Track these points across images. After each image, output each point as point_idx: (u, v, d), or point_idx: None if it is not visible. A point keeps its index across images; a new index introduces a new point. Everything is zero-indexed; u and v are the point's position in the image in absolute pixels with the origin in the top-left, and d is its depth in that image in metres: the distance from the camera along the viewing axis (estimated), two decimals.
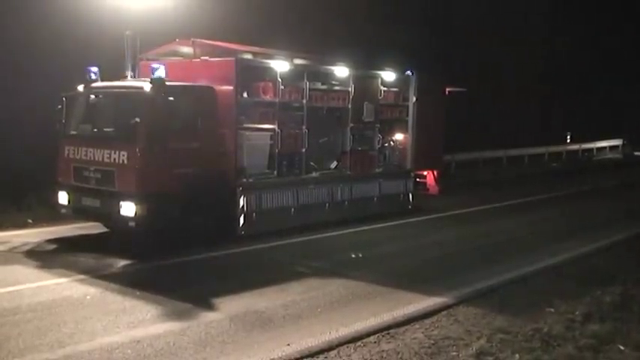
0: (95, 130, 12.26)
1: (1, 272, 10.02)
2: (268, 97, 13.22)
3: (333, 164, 15.01)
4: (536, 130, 37.23)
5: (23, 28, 17.35)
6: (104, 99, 12.46)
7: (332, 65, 14.72)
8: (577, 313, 8.59)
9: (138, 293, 9.04)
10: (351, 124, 15.05)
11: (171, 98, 11.60)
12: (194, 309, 8.54)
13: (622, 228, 15.19)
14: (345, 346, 7.42)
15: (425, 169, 17.23)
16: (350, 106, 14.95)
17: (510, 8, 35.05)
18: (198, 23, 17.48)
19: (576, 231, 14.94)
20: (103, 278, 9.73)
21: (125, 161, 11.29)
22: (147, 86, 11.49)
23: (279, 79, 13.26)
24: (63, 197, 12.28)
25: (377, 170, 15.89)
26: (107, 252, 11.18)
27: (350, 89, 14.88)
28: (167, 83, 11.63)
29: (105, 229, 12.84)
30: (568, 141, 38.71)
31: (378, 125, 15.80)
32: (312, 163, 14.32)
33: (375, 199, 15.67)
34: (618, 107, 42.89)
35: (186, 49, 13.56)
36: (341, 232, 13.74)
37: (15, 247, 11.66)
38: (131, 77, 12.81)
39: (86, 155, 11.84)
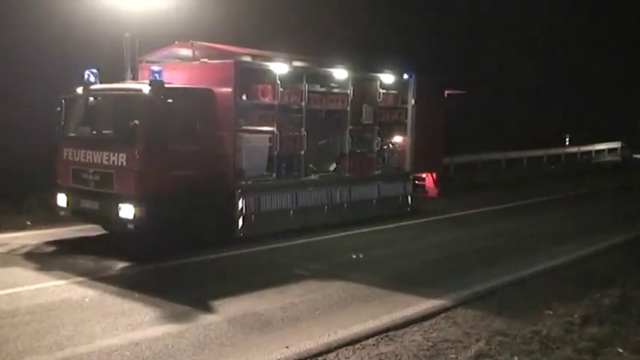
0: (94, 132, 12.28)
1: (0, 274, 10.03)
2: (267, 100, 13.23)
3: (332, 167, 15.01)
4: (535, 132, 37.22)
5: (22, 30, 17.35)
6: (103, 101, 12.47)
7: (331, 68, 14.74)
8: (576, 315, 8.60)
9: (137, 295, 9.04)
10: (350, 127, 15.05)
11: (170, 101, 11.62)
12: (193, 311, 8.54)
13: (621, 231, 15.18)
14: (343, 348, 7.41)
15: (424, 172, 17.25)
16: (349, 108, 14.97)
17: (509, 10, 35.07)
18: (198, 25, 17.49)
19: (575, 233, 14.94)
20: (101, 280, 9.73)
21: (124, 163, 11.28)
22: (146, 88, 11.50)
23: (278, 82, 13.27)
24: (62, 199, 12.29)
25: (376, 173, 15.89)
26: (106, 254, 11.18)
27: (349, 92, 14.89)
28: (166, 86, 11.64)
29: (104, 232, 12.85)
30: (567, 143, 38.73)
31: (377, 128, 15.81)
32: (311, 166, 14.32)
33: (374, 201, 15.67)
34: (617, 110, 42.89)
35: (186, 52, 13.58)
36: (340, 235, 13.74)
37: (14, 250, 11.66)
38: (130, 80, 12.82)
39: (85, 157, 11.84)
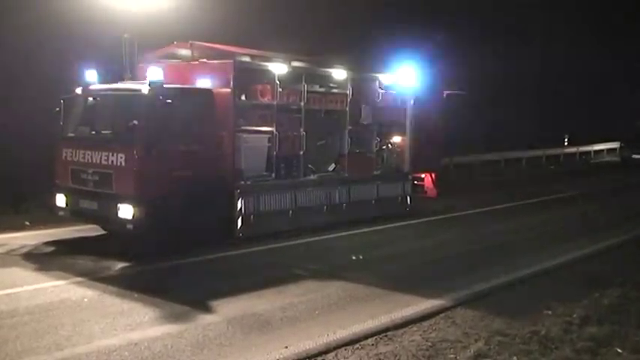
0: (93, 132, 12.27)
1: None
2: (266, 100, 13.23)
3: (331, 167, 15.01)
4: (534, 132, 37.23)
5: (21, 30, 17.35)
6: (102, 101, 12.46)
7: (330, 68, 14.73)
8: (575, 315, 8.60)
9: (136, 296, 9.03)
10: (349, 127, 15.05)
11: (169, 101, 11.61)
12: (192, 311, 8.54)
13: (620, 231, 15.19)
14: (342, 348, 7.41)
15: (423, 172, 17.24)
16: (348, 108, 14.97)
17: (509, 9, 35.08)
18: (196, 25, 17.49)
19: (574, 234, 14.95)
20: (100, 281, 9.72)
21: (123, 164, 11.28)
22: (145, 89, 11.49)
23: (277, 82, 13.27)
24: (61, 199, 12.28)
25: (375, 173, 15.88)
26: (105, 254, 11.17)
27: (348, 92, 14.89)
28: (165, 86, 11.63)
29: (103, 232, 12.84)
30: (566, 144, 38.74)
31: (376, 128, 15.81)
32: (309, 166, 14.32)
33: (373, 201, 15.66)
34: (617, 109, 42.93)
35: (185, 52, 13.57)
36: (339, 235, 13.73)
37: (12, 250, 11.65)
38: (129, 80, 12.82)
39: (84, 158, 11.83)
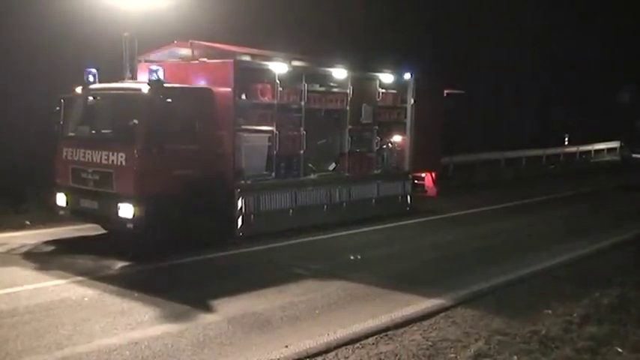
0: (93, 131, 12.27)
1: None
2: (266, 99, 13.23)
3: (332, 166, 15.02)
4: (534, 132, 37.25)
5: (21, 30, 17.36)
6: (102, 101, 12.47)
7: (330, 67, 14.73)
8: (575, 315, 8.60)
9: (136, 295, 9.04)
10: (350, 126, 15.06)
11: (169, 100, 11.62)
12: (192, 311, 8.54)
13: (620, 230, 15.19)
14: (343, 347, 7.42)
15: (423, 171, 17.24)
16: (348, 107, 14.97)
17: (509, 9, 35.06)
18: (197, 25, 17.49)
19: (574, 233, 14.94)
20: (101, 280, 9.73)
21: (123, 163, 11.28)
22: (145, 88, 11.50)
23: (278, 81, 13.27)
24: (61, 199, 12.28)
25: (375, 172, 15.89)
26: (105, 254, 11.18)
27: (348, 91, 14.89)
28: (165, 85, 11.63)
29: (103, 231, 12.84)
30: (566, 143, 38.73)
31: (377, 127, 15.82)
32: (310, 165, 14.33)
33: (374, 200, 15.67)
34: (617, 109, 42.92)
35: (185, 51, 13.56)
36: (339, 234, 13.74)
37: (13, 249, 11.65)
38: (129, 79, 12.81)
39: (84, 157, 11.83)
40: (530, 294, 9.80)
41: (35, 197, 14.74)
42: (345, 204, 14.91)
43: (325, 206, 14.48)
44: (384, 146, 16.38)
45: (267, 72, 13.26)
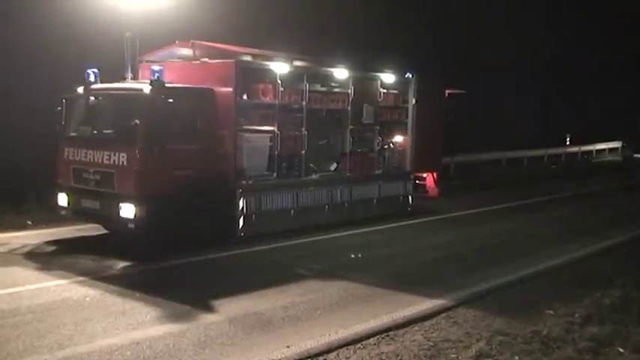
0: (95, 131, 12.27)
1: (0, 274, 10.02)
2: (268, 99, 13.23)
3: (333, 166, 15.01)
4: (535, 132, 37.25)
5: (23, 30, 17.36)
6: (104, 101, 12.47)
7: (331, 67, 14.73)
8: (576, 315, 8.60)
9: (137, 295, 9.04)
10: (351, 126, 15.05)
11: (170, 100, 11.62)
12: (193, 311, 8.54)
13: (621, 231, 15.18)
14: (344, 348, 7.42)
15: (424, 171, 17.24)
16: (349, 108, 14.97)
17: (509, 8, 35.06)
18: (198, 25, 17.49)
19: (575, 233, 14.93)
20: (102, 280, 9.73)
21: (125, 163, 11.28)
22: (146, 88, 11.50)
23: (279, 81, 13.27)
24: (62, 199, 12.28)
25: (376, 172, 15.88)
26: (106, 254, 11.18)
27: (349, 91, 14.89)
28: (167, 85, 11.64)
29: (104, 231, 12.85)
30: (567, 143, 38.73)
31: (378, 127, 15.81)
32: (311, 165, 14.32)
33: (375, 201, 15.67)
34: (618, 109, 42.91)
35: (186, 51, 13.57)
36: (340, 234, 13.73)
37: (14, 249, 11.66)
38: (131, 79, 12.81)
39: (86, 157, 11.84)
40: (532, 294, 9.80)
41: (37, 197, 14.74)
42: (346, 204, 14.91)
43: (326, 206, 14.48)
44: (386, 146, 16.38)
45: (268, 72, 13.26)
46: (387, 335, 7.86)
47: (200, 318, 8.28)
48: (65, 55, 17.05)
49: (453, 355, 7.29)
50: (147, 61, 13.37)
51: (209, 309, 8.64)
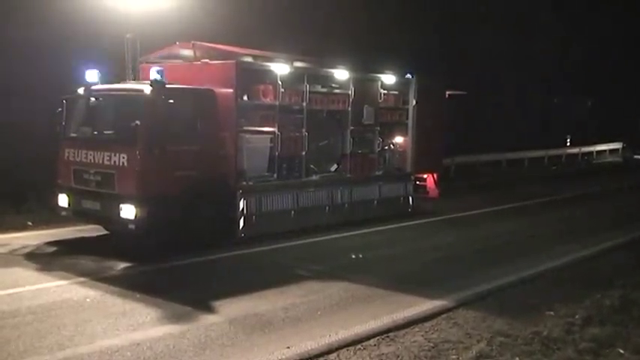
0: (95, 132, 12.28)
1: (0, 274, 10.02)
2: (268, 100, 13.24)
3: (333, 167, 15.02)
4: (536, 133, 37.23)
5: (23, 30, 17.36)
6: (104, 102, 12.47)
7: (332, 68, 14.73)
8: (577, 316, 8.60)
9: (138, 296, 9.04)
10: (351, 127, 15.06)
11: (171, 101, 11.63)
12: (194, 312, 8.54)
13: (622, 231, 15.18)
14: (344, 349, 7.41)
15: (425, 172, 17.24)
16: (350, 109, 14.97)
17: (510, 10, 35.06)
18: (199, 26, 17.50)
19: (576, 234, 14.94)
20: (102, 281, 9.73)
21: (125, 164, 11.29)
22: (147, 89, 11.50)
23: (280, 82, 13.28)
24: (63, 200, 12.29)
25: (377, 173, 15.89)
26: (107, 254, 11.18)
27: (350, 92, 14.89)
28: (167, 86, 11.64)
29: (105, 232, 12.85)
30: (568, 144, 38.73)
31: (378, 128, 15.81)
32: (312, 166, 14.33)
33: (375, 202, 15.67)
34: (619, 110, 42.92)
35: (187, 52, 13.58)
36: (341, 235, 13.73)
37: (15, 250, 11.66)
38: (131, 80, 12.82)
39: (86, 158, 11.85)
40: (532, 295, 9.77)
41: (37, 198, 14.75)
42: (346, 205, 14.91)
43: (327, 207, 14.48)
44: (386, 147, 16.38)
45: (269, 73, 13.26)
46: (388, 336, 7.85)
47: (200, 319, 8.27)
48: (65, 55, 17.05)
49: (454, 356, 7.28)
50: (147, 62, 13.39)
51: (209, 310, 8.64)
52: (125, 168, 11.29)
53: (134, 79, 12.86)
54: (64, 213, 12.50)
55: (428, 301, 9.27)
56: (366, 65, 16.14)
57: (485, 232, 15.07)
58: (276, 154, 13.37)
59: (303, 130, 13.88)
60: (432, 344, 7.60)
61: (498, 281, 10.48)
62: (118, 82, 12.67)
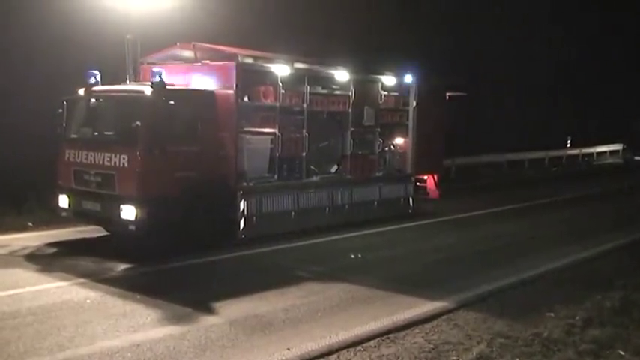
0: (96, 133, 12.28)
1: (1, 275, 10.02)
2: (269, 101, 13.24)
3: (334, 168, 15.02)
4: (536, 134, 37.22)
5: (23, 31, 17.37)
6: (105, 103, 12.48)
7: (332, 69, 14.74)
8: (577, 317, 8.60)
9: (138, 297, 9.04)
10: (352, 129, 15.06)
11: (171, 102, 11.63)
12: (194, 313, 8.54)
13: (622, 233, 15.18)
14: (345, 350, 7.42)
15: (425, 174, 17.24)
16: (350, 110, 14.97)
17: (511, 11, 35.06)
18: (199, 27, 17.50)
19: (576, 236, 14.93)
20: (103, 282, 9.73)
21: (126, 165, 11.29)
22: (147, 90, 11.51)
23: (280, 83, 13.28)
24: (63, 201, 12.30)
25: (377, 174, 15.89)
26: (107, 255, 11.18)
27: (350, 93, 14.90)
28: (168, 87, 11.65)
29: (105, 233, 12.85)
30: (568, 146, 38.73)
31: (379, 129, 15.82)
32: (312, 167, 14.33)
33: (376, 203, 15.67)
34: (619, 111, 42.92)
35: (187, 53, 13.58)
36: (341, 237, 13.73)
37: (15, 251, 11.66)
38: (132, 81, 12.82)
39: (87, 159, 11.85)
40: (533, 297, 9.79)
41: (37, 199, 14.74)
42: (347, 206, 14.91)
43: (327, 208, 14.48)
44: (386, 149, 16.39)
45: (269, 74, 13.27)
46: (388, 337, 7.86)
47: (201, 320, 8.27)
48: (66, 56, 17.05)
49: (454, 358, 7.29)
50: (148, 63, 13.39)
51: (210, 311, 8.64)
52: (125, 169, 11.30)
53: (134, 80, 12.85)
54: (64, 214, 12.50)
55: (428, 302, 9.27)
56: (366, 66, 16.15)
57: (485, 234, 15.07)
58: (277, 155, 13.37)
59: (304, 131, 13.88)
60: (432, 345, 7.60)
61: (499, 282, 10.48)
62: (119, 83, 12.66)
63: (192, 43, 13.43)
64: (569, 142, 38.87)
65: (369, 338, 7.78)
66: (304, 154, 13.92)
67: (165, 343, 7.41)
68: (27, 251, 11.66)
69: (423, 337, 7.93)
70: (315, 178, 14.35)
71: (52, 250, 11.86)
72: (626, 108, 42.65)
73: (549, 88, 39.96)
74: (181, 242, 11.51)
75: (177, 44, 13.66)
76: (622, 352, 7.50)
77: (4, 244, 12.00)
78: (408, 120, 16.49)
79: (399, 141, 16.65)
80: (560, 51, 39.73)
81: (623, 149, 41.43)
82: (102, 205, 11.68)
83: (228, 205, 12.38)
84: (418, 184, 17.11)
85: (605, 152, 41.43)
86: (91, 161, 11.78)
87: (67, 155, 12.21)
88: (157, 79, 11.45)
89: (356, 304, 9.19)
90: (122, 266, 10.71)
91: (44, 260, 11.08)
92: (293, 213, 13.68)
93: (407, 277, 10.83)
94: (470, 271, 11.34)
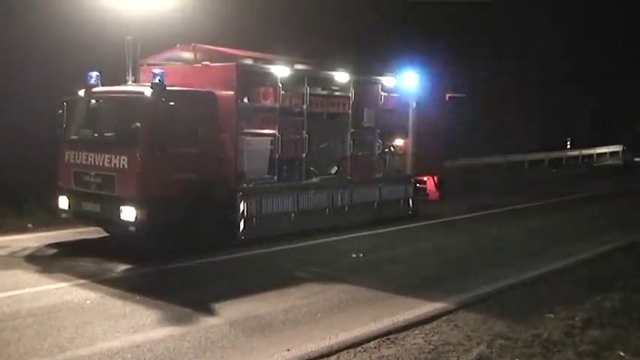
0: (96, 134, 12.28)
1: (1, 277, 10.02)
2: (269, 103, 13.25)
3: (334, 169, 15.02)
4: (536, 135, 37.22)
5: (23, 32, 17.36)
6: (105, 104, 12.49)
7: (332, 70, 14.74)
8: (577, 319, 8.59)
9: (138, 298, 9.04)
10: (352, 130, 15.06)
11: (171, 103, 11.63)
12: (194, 314, 8.54)
13: (622, 234, 15.17)
14: (345, 351, 7.42)
15: (425, 175, 17.24)
16: (350, 111, 14.98)
17: (511, 13, 35.06)
18: (200, 28, 17.50)
19: (576, 237, 14.93)
20: (103, 283, 9.73)
21: (125, 166, 11.30)
22: (147, 91, 11.51)
23: (280, 85, 13.29)
24: (63, 202, 12.29)
25: (377, 175, 15.89)
26: (107, 256, 11.18)
27: (350, 94, 14.90)
28: (168, 88, 11.64)
29: (105, 234, 12.85)
30: (568, 147, 38.73)
31: (379, 130, 15.82)
32: (312, 169, 14.33)
33: (376, 204, 15.66)
34: (620, 113, 42.89)
35: (187, 54, 13.59)
36: (341, 238, 13.72)
37: (15, 252, 11.66)
38: (132, 82, 12.82)
39: (87, 160, 11.85)
40: (533, 298, 9.79)
41: (37, 200, 14.74)
42: (347, 207, 14.91)
43: (327, 210, 14.48)
44: (386, 150, 16.38)
45: (269, 75, 13.27)
46: (388, 338, 7.86)
47: (201, 321, 8.27)
48: (66, 57, 17.05)
49: (454, 359, 7.29)
50: (148, 64, 13.40)
51: (210, 312, 8.64)
52: (125, 170, 11.30)
53: (135, 82, 12.85)
54: (64, 215, 12.50)
55: (428, 303, 9.27)
56: (366, 67, 16.15)
57: (485, 235, 15.07)
58: (277, 156, 13.38)
59: (304, 132, 13.88)
60: (432, 346, 7.60)
61: (499, 283, 10.48)
62: (119, 85, 12.66)
63: (193, 44, 13.45)
64: (569, 143, 38.87)
65: (369, 339, 7.78)
66: (304, 155, 13.92)
67: (165, 344, 7.41)
68: (27, 252, 11.66)
69: (423, 338, 7.92)
70: (315, 179, 14.35)
71: (52, 251, 11.86)
72: (626, 108, 42.61)
73: (549, 88, 39.94)
74: (181, 243, 11.51)
75: (178, 45, 13.67)
76: (622, 354, 7.49)
77: (3, 246, 12.00)
78: (408, 121, 16.49)
79: (398, 142, 16.65)
80: (559, 49, 39.73)
81: (623, 150, 41.42)
82: (102, 206, 11.68)
83: (228, 206, 12.38)
84: (418, 185, 17.11)
85: (605, 153, 41.45)
86: (91, 162, 11.78)
87: (66, 156, 12.21)
88: (157, 80, 11.45)
89: (356, 305, 9.19)
90: (122, 267, 10.71)
91: (44, 261, 11.08)
92: (293, 214, 13.69)
93: (407, 278, 10.84)
94: (470, 272, 11.34)
